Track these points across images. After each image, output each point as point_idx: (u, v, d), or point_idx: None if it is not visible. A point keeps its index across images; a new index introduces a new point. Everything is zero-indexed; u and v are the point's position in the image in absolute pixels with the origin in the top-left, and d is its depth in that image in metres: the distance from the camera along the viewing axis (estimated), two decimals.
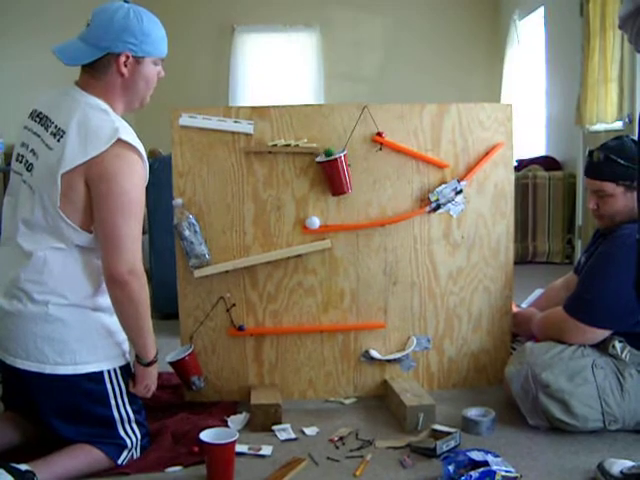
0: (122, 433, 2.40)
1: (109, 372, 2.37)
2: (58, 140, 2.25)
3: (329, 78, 8.76)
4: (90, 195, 2.26)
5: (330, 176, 2.95)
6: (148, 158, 2.39)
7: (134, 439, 2.42)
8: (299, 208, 3.00)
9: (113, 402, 2.38)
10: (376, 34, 8.72)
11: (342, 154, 2.90)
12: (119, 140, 2.24)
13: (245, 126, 2.95)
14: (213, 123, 2.95)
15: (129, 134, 2.29)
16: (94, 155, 2.21)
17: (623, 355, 2.61)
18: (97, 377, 2.34)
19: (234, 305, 3.01)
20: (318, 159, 2.94)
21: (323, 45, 8.76)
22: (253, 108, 3.01)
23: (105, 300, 2.37)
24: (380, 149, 3.01)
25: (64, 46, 2.34)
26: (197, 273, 2.91)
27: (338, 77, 8.72)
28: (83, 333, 2.32)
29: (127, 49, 2.30)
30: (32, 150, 2.32)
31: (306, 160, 2.98)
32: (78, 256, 2.33)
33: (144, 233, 5.74)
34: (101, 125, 2.26)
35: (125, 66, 2.32)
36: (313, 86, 8.82)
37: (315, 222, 2.98)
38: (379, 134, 2.99)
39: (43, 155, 2.28)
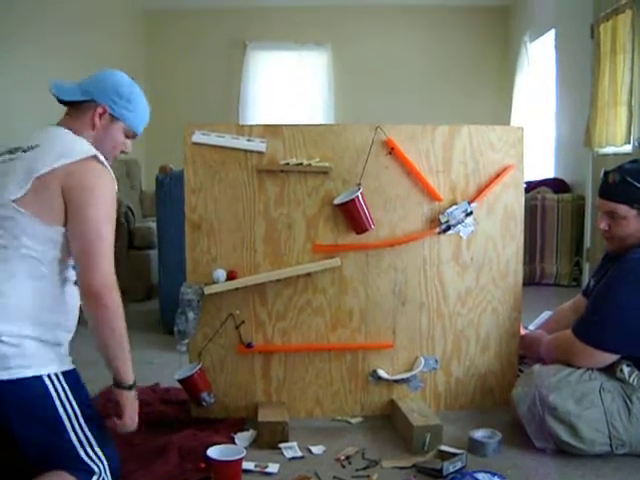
0: (86, 459, 2.17)
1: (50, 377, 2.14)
2: (31, 151, 2.20)
3: (339, 97, 8.80)
4: (64, 204, 2.16)
5: (350, 216, 2.97)
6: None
7: (100, 465, 2.17)
8: (310, 227, 3.01)
9: (68, 425, 2.14)
10: (386, 55, 8.74)
11: (358, 193, 2.92)
12: (95, 157, 2.22)
13: (257, 144, 2.97)
14: (226, 141, 2.96)
15: (104, 159, 2.27)
16: (70, 161, 2.15)
17: (631, 379, 2.61)
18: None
19: (243, 322, 3.02)
20: (335, 202, 2.97)
21: (334, 64, 8.80)
22: (266, 126, 3.02)
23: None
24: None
25: (60, 82, 2.38)
26: (207, 290, 2.92)
27: (348, 96, 8.74)
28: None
29: (107, 103, 2.34)
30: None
31: (318, 179, 2.99)
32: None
33: (153, 248, 5.73)
34: (77, 141, 2.26)
35: (99, 118, 2.34)
36: (323, 104, 8.85)
37: (221, 275, 2.96)
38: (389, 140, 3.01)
39: (16, 165, 2.18)
